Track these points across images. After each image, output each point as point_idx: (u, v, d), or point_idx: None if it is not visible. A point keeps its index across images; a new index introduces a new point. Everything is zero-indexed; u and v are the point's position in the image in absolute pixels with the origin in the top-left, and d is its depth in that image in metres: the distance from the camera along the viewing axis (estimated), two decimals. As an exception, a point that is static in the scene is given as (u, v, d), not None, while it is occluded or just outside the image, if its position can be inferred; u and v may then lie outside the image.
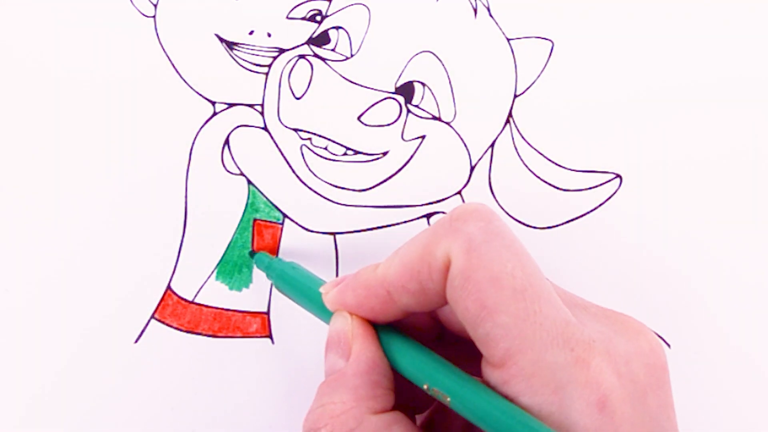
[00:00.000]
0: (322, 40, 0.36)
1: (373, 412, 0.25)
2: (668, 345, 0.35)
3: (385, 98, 0.35)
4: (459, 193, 0.36)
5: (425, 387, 0.25)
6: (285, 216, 0.35)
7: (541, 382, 0.23)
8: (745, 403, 0.34)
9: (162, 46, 0.36)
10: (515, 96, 0.36)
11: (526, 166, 0.36)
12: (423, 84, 0.36)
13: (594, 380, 0.23)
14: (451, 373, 0.25)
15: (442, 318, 0.29)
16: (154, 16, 0.36)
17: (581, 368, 0.23)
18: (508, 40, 0.37)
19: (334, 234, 0.35)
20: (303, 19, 0.36)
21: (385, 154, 0.36)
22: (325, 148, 0.35)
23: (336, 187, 0.35)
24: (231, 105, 0.36)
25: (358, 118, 0.35)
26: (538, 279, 0.24)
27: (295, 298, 0.30)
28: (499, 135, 0.36)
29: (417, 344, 0.26)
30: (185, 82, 0.36)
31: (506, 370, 0.23)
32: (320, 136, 0.35)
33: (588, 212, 0.36)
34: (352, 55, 0.36)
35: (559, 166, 0.36)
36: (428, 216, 0.36)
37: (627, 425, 0.23)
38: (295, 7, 0.36)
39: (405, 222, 0.36)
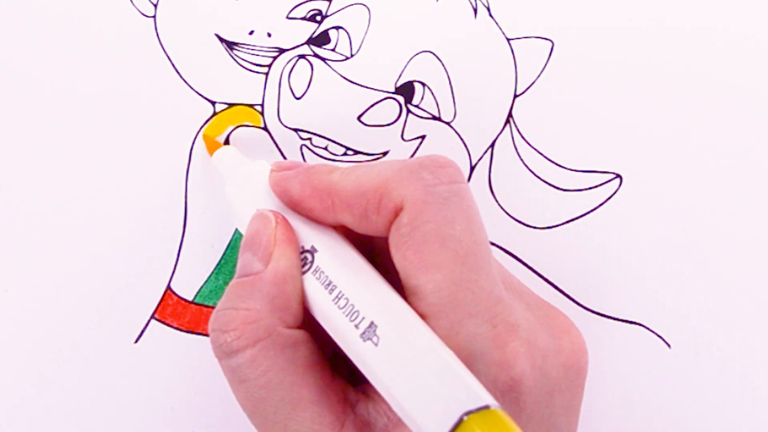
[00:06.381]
0: (322, 40, 0.36)
1: (286, 325, 0.24)
2: (668, 345, 0.35)
3: (385, 98, 0.35)
4: (459, 193, 0.36)
5: None
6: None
7: (457, 346, 0.22)
8: (745, 403, 0.34)
9: (162, 46, 0.36)
10: (515, 96, 0.36)
11: (526, 166, 0.36)
12: (423, 84, 0.36)
13: (507, 362, 0.23)
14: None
15: (376, 247, 0.28)
16: (154, 16, 0.36)
17: (498, 346, 0.23)
18: (508, 40, 0.37)
19: (334, 234, 0.35)
20: (303, 19, 0.36)
21: (385, 154, 0.36)
22: (325, 148, 0.35)
23: (336, 187, 0.35)
24: (231, 105, 0.36)
25: (358, 118, 0.35)
26: (483, 250, 0.24)
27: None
28: (499, 135, 0.36)
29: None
30: (185, 82, 0.36)
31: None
32: (320, 136, 0.35)
33: (588, 212, 0.36)
34: (352, 55, 0.36)
35: (559, 166, 0.36)
36: (428, 216, 0.36)
37: (524, 415, 0.23)
38: (295, 7, 0.36)
39: (405, 222, 0.36)
